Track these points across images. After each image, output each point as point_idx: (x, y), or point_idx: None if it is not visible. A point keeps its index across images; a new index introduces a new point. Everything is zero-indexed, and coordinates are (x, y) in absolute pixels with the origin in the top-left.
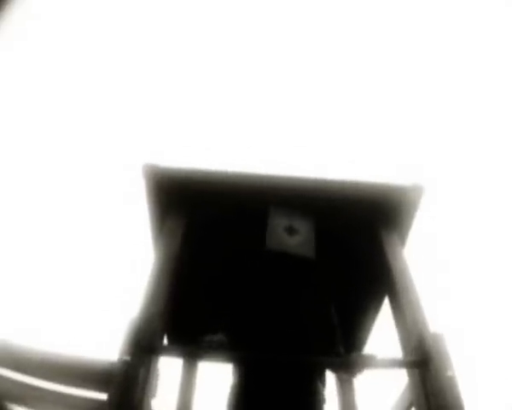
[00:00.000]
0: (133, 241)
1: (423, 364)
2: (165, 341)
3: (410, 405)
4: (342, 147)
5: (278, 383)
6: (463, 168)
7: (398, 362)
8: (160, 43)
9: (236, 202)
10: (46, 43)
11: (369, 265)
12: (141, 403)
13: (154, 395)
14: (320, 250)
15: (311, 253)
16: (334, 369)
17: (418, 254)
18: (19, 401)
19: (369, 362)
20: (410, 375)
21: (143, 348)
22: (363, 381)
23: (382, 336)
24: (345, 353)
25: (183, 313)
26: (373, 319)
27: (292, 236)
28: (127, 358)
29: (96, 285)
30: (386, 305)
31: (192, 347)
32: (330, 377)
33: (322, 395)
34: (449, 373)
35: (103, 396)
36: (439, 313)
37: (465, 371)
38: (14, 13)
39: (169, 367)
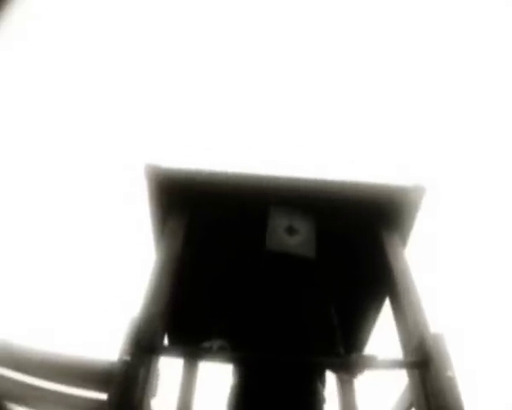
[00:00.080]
0: (135, 241)
1: (423, 364)
2: (166, 341)
3: (410, 405)
4: (344, 147)
5: (278, 384)
6: (465, 169)
7: (399, 363)
8: (162, 43)
9: (238, 203)
10: (46, 43)
11: (370, 265)
12: (141, 403)
13: (154, 395)
14: (321, 251)
15: (312, 253)
16: (335, 369)
17: (419, 255)
18: (19, 400)
19: (369, 363)
20: (411, 376)
21: (144, 348)
22: (363, 381)
23: (383, 336)
24: (345, 353)
25: (185, 314)
26: (374, 320)
27: (292, 236)
28: (127, 358)
29: (97, 285)
30: (386, 306)
31: (193, 347)
32: (331, 378)
33: (322, 395)
34: (449, 374)
35: (103, 396)
36: (439, 313)
37: (465, 372)
38: (14, 13)
39: (170, 367)
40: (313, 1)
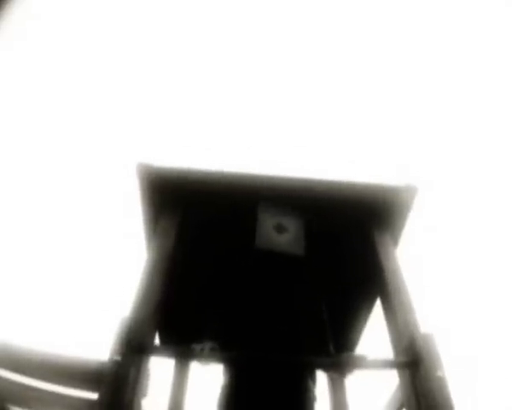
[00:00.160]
0: (126, 240)
1: (414, 364)
2: (158, 341)
3: (401, 405)
4: (336, 147)
5: (269, 383)
6: (457, 169)
7: (389, 363)
8: (156, 44)
9: (230, 202)
10: (46, 43)
11: (361, 265)
12: (131, 403)
13: (144, 395)
14: (313, 250)
15: (300, 250)
16: (325, 369)
17: (411, 255)
18: (10, 400)
19: (359, 362)
20: (401, 375)
21: (134, 347)
22: (354, 381)
23: (374, 336)
24: (336, 353)
25: (176, 313)
26: (365, 320)
27: (281, 234)
28: (118, 358)
29: (88, 284)
30: (377, 306)
31: (184, 347)
32: (322, 376)
33: (313, 393)
34: (439, 374)
35: (94, 396)
36: (430, 313)
37: (456, 372)
38: (14, 13)
39: (161, 367)
40: (311, 1)
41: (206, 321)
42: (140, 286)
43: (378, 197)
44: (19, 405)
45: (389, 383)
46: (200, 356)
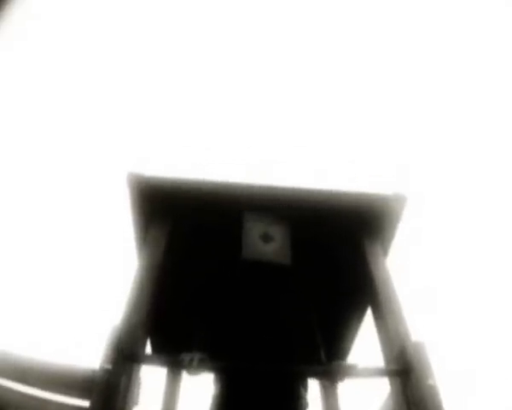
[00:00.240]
0: (117, 248)
1: (405, 373)
2: (150, 350)
3: None
4: (326, 156)
5: (260, 392)
6: (446, 178)
7: (380, 371)
8: (152, 50)
9: (220, 211)
10: (46, 43)
11: (352, 275)
12: None
13: (135, 404)
14: (303, 259)
15: (287, 260)
16: (317, 377)
17: (401, 264)
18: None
19: (350, 371)
20: (392, 384)
21: (125, 356)
22: (346, 388)
23: (365, 345)
24: (328, 361)
25: (168, 322)
26: (356, 329)
27: (267, 243)
28: (109, 366)
29: (79, 292)
30: (368, 315)
31: (175, 356)
32: (314, 383)
33: (305, 400)
34: (430, 382)
35: (85, 403)
36: (421, 322)
37: (447, 381)
38: (14, 13)
39: (153, 376)
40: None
41: (197, 331)
42: (131, 295)
43: (368, 207)
44: None
45: (381, 391)
46: (189, 367)
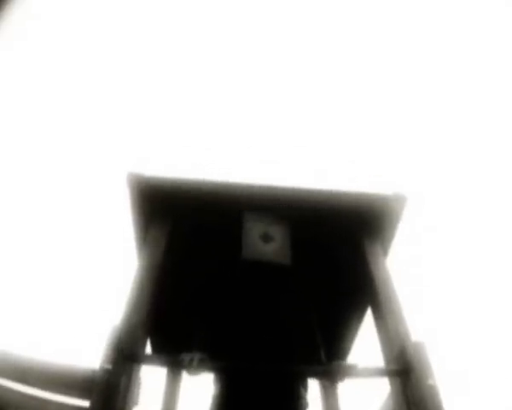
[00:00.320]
0: (117, 248)
1: (405, 373)
2: (150, 350)
3: None
4: (325, 157)
5: (260, 391)
6: (447, 178)
7: (380, 371)
8: (151, 51)
9: (220, 211)
10: (46, 43)
11: (352, 275)
12: None
13: (135, 404)
14: (303, 259)
15: (287, 260)
16: (317, 377)
17: (401, 264)
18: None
19: (350, 371)
20: (392, 384)
21: (125, 356)
22: (346, 388)
23: (365, 345)
24: (327, 360)
25: (168, 322)
26: (356, 329)
27: (267, 243)
28: (109, 366)
29: (79, 292)
30: (369, 315)
31: (175, 356)
32: (314, 383)
33: (305, 400)
34: (430, 382)
35: (85, 403)
36: (421, 322)
37: (446, 381)
38: (14, 13)
39: (153, 376)
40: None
41: (197, 331)
42: (131, 294)
43: (367, 206)
44: None
45: (381, 391)
46: (189, 367)
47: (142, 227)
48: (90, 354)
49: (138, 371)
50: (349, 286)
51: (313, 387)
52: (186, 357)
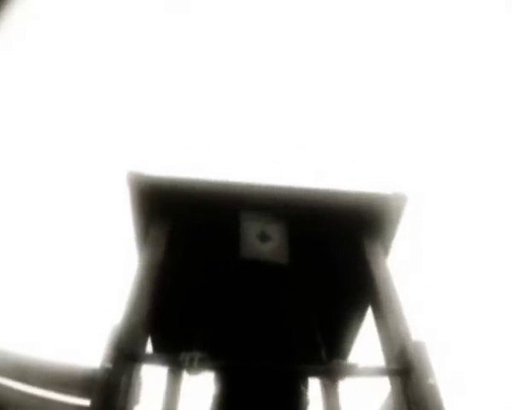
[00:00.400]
0: (117, 248)
1: (405, 372)
2: (151, 349)
3: None
4: (326, 157)
5: (261, 390)
6: (447, 178)
7: (381, 370)
8: (150, 51)
9: (220, 210)
10: (46, 43)
11: (352, 274)
12: None
13: (136, 403)
14: (303, 259)
15: (284, 259)
16: (317, 376)
17: (401, 263)
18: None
19: (351, 370)
20: (393, 383)
21: (125, 355)
22: (347, 387)
23: (366, 344)
24: (328, 360)
25: (169, 322)
26: (356, 328)
27: (264, 242)
28: (109, 365)
29: (79, 292)
30: (369, 314)
31: (176, 355)
32: (315, 381)
33: (306, 398)
34: (430, 381)
35: (86, 403)
36: (421, 321)
37: (447, 380)
38: (14, 13)
39: (154, 375)
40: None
41: (198, 330)
42: (131, 294)
43: (367, 206)
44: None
45: (381, 390)
46: (190, 366)
47: (143, 226)
48: (90, 353)
49: (139, 370)
50: (349, 286)
51: (314, 386)
52: (186, 356)
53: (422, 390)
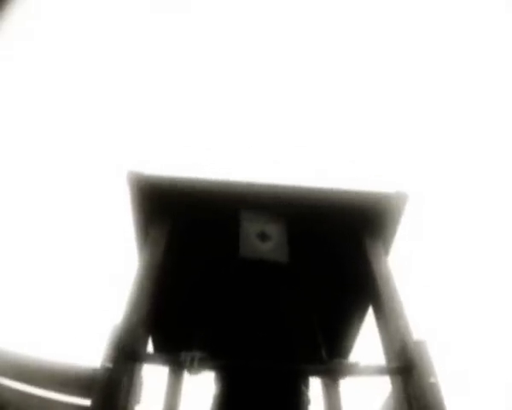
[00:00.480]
0: (117, 248)
1: (406, 371)
2: (152, 349)
3: None
4: (327, 156)
5: (261, 389)
6: (448, 177)
7: (382, 369)
8: (152, 52)
9: (220, 210)
10: (46, 43)
11: (353, 273)
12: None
13: (137, 402)
14: (304, 258)
15: (284, 258)
16: (319, 375)
17: (402, 262)
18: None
19: (352, 369)
20: (394, 382)
21: (126, 355)
22: (348, 386)
23: (367, 343)
24: (329, 359)
25: (170, 321)
26: (357, 327)
27: (264, 242)
28: (110, 365)
29: (80, 292)
30: (370, 314)
31: (176, 355)
32: (316, 380)
33: (307, 397)
34: (432, 380)
35: (87, 402)
36: (422, 320)
37: (448, 379)
38: (14, 13)
39: (155, 375)
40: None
41: (199, 330)
42: (131, 293)
43: (369, 205)
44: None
45: (382, 389)
46: (190, 366)
47: (143, 226)
48: (91, 353)
49: (139, 370)
50: (350, 284)
51: (315, 385)
52: (187, 356)
53: (423, 389)
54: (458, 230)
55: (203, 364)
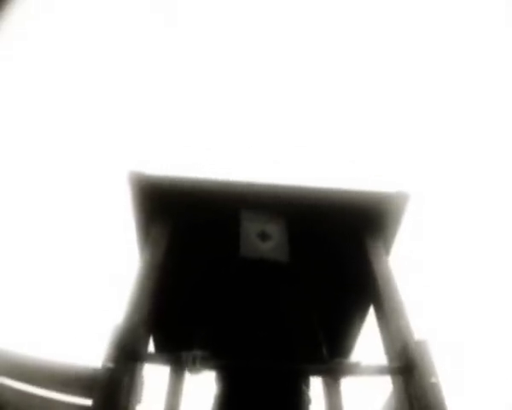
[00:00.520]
0: (119, 248)
1: (407, 371)
2: (153, 348)
3: None
4: (328, 156)
5: (262, 389)
6: (449, 176)
7: (383, 369)
8: (152, 52)
9: (221, 210)
10: (46, 43)
11: (354, 273)
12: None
13: (138, 402)
14: (305, 258)
15: (284, 257)
16: (320, 374)
17: (403, 262)
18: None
19: (353, 369)
20: (395, 382)
21: (127, 354)
22: (349, 386)
23: (368, 343)
24: (330, 358)
25: (171, 321)
26: (358, 327)
27: (265, 241)
28: (111, 365)
29: (81, 291)
30: (371, 313)
31: (177, 354)
32: (317, 380)
33: (308, 396)
34: (433, 380)
35: (88, 402)
36: (423, 320)
37: (449, 378)
38: (14, 13)
39: (157, 374)
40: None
41: (200, 329)
42: (133, 293)
43: (370, 204)
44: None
45: (384, 389)
46: (191, 366)
47: (144, 226)
48: (92, 352)
49: (141, 369)
50: (351, 284)
51: (316, 385)
52: (188, 356)
53: (425, 389)
54: (459, 230)
55: (204, 363)
